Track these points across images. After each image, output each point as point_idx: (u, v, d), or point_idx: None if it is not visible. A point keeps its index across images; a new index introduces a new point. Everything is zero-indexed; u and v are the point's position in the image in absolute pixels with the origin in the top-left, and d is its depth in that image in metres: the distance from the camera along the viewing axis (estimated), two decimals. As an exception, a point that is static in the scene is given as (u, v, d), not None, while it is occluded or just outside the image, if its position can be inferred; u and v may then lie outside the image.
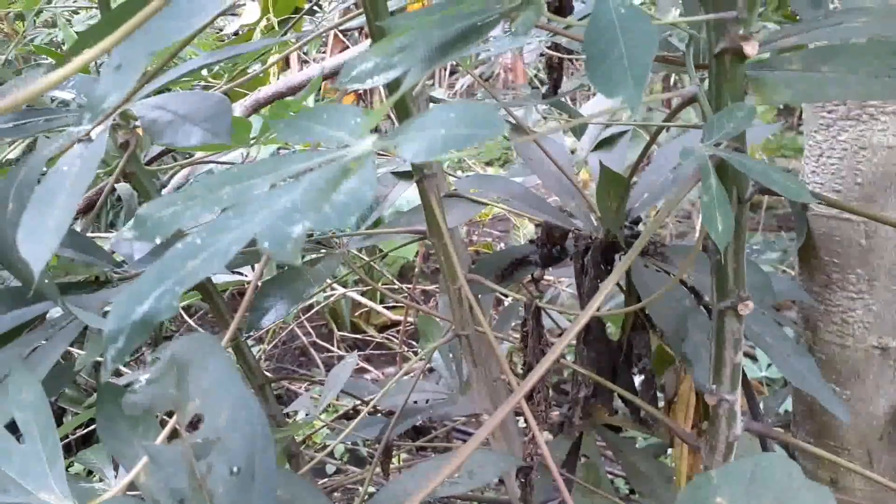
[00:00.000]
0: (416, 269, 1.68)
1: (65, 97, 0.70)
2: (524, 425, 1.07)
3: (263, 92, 1.38)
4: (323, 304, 2.24)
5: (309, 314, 2.26)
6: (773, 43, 0.49)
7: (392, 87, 0.53)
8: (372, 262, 1.88)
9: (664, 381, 0.81)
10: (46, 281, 0.51)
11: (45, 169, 0.54)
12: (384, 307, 2.28)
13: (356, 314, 2.57)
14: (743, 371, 0.74)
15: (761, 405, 1.07)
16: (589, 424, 0.87)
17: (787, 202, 0.86)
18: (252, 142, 0.57)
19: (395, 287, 2.03)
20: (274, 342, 2.18)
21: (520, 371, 0.75)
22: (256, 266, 0.67)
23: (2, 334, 0.64)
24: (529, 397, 0.63)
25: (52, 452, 0.45)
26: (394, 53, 0.37)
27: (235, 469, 0.29)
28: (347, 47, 3.67)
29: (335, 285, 1.99)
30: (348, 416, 1.35)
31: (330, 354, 2.23)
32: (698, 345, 0.61)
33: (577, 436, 0.85)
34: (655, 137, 0.66)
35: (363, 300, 2.14)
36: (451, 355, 1.20)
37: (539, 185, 1.28)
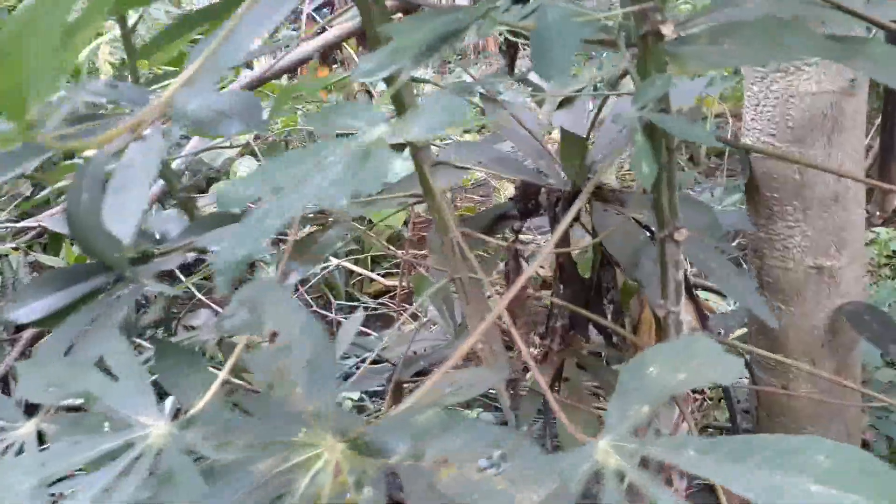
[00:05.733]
0: (409, 234, 1.80)
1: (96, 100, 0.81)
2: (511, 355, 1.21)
3: (251, 75, 1.49)
4: (319, 277, 2.37)
5: (307, 286, 2.38)
6: (687, 23, 0.61)
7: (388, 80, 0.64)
8: (366, 232, 2.00)
9: (630, 309, 0.94)
10: (117, 255, 0.63)
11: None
12: (377, 274, 2.41)
13: (350, 284, 2.71)
14: (697, 295, 0.87)
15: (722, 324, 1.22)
16: (568, 353, 1.01)
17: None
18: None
19: (388, 253, 2.15)
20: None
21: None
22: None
23: (67, 305, 0.76)
24: (513, 318, 0.76)
25: (142, 387, 0.57)
26: (390, 55, 0.49)
27: (306, 363, 0.42)
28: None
29: (330, 257, 2.11)
30: (351, 374, 1.48)
31: (328, 321, 2.36)
32: (649, 271, 0.74)
33: (558, 363, 0.99)
34: (603, 105, 0.78)
35: (357, 269, 2.27)
36: (444, 307, 1.33)
37: (513, 150, 1.40)
